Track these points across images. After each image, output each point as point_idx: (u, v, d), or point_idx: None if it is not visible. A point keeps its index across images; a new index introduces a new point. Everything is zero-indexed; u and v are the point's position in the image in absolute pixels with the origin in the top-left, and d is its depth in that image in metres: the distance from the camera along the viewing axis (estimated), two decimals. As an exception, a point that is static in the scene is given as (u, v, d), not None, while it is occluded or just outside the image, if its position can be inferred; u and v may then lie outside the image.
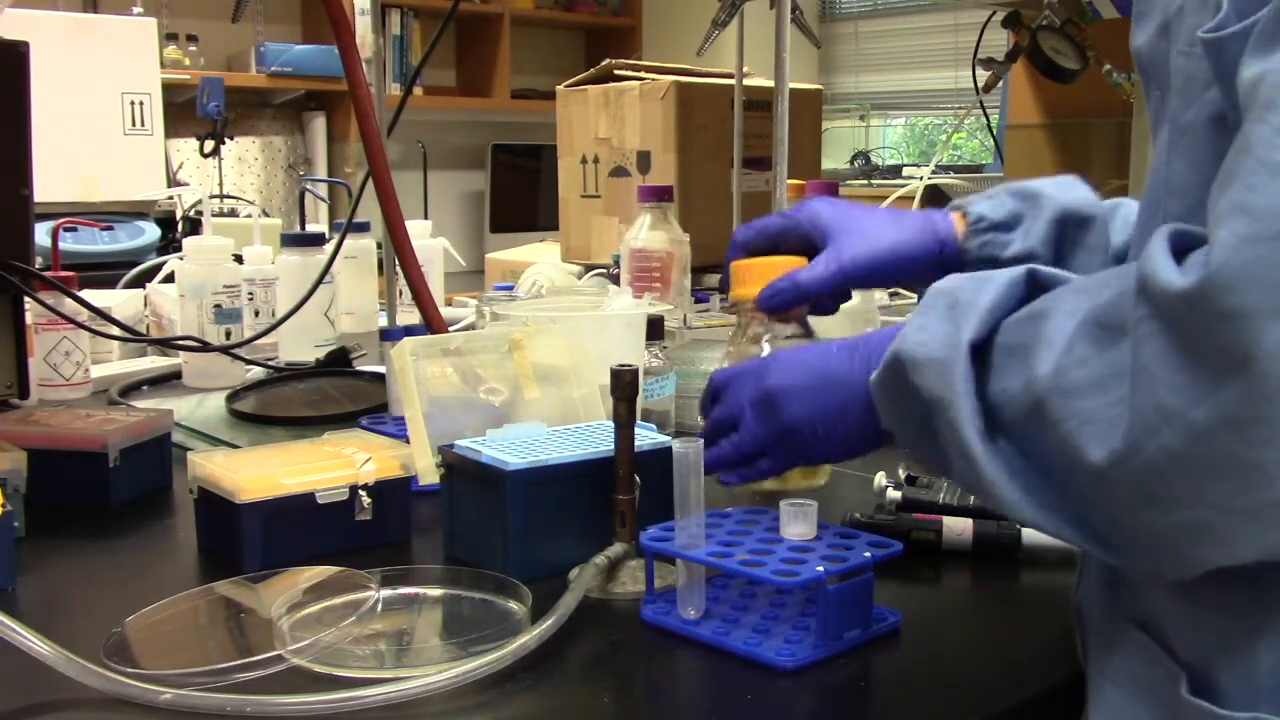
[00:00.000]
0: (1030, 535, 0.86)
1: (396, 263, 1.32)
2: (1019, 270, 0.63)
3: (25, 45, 1.22)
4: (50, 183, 1.95)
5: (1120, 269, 0.57)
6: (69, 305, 1.33)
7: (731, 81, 1.86)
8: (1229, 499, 0.48)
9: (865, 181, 4.16)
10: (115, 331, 1.45)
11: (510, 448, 0.82)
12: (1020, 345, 0.58)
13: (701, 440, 0.73)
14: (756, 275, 0.87)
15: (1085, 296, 0.56)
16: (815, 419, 0.73)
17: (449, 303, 2.07)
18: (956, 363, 0.60)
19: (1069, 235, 0.86)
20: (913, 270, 0.86)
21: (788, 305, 0.86)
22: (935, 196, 2.55)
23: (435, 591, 0.78)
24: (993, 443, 0.58)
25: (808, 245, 0.87)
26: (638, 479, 0.78)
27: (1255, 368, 0.46)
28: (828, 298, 0.88)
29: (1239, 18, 0.52)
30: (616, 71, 2.07)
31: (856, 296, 1.73)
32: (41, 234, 1.42)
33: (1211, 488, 0.49)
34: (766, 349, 0.88)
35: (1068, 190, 0.88)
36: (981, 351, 0.60)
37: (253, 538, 0.82)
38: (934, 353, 0.61)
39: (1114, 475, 0.51)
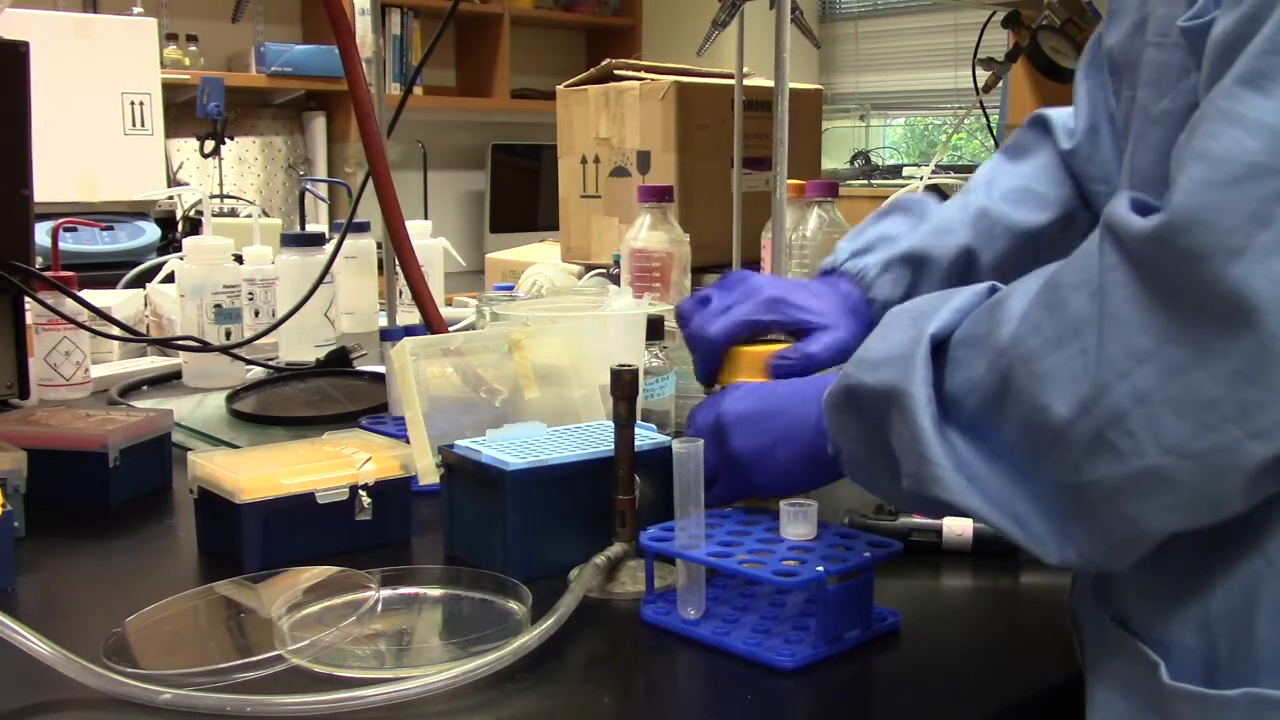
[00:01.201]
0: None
1: (396, 263, 1.32)
2: (983, 285, 0.64)
3: (25, 45, 1.22)
4: (50, 183, 1.95)
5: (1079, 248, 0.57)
6: (69, 305, 1.33)
7: (731, 81, 1.86)
8: (1186, 441, 0.49)
9: (865, 181, 4.16)
10: (115, 331, 1.45)
11: (510, 448, 0.82)
12: (981, 334, 0.59)
13: (702, 441, 0.73)
14: (748, 362, 0.88)
15: (1040, 275, 0.57)
16: (759, 448, 0.75)
17: (449, 303, 2.07)
18: (915, 354, 0.60)
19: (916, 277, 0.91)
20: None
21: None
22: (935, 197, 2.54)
23: (435, 591, 0.78)
24: (944, 433, 0.59)
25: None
26: (638, 479, 0.78)
27: (1214, 307, 0.47)
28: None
29: (1217, 4, 0.52)
30: (616, 71, 2.07)
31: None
32: (41, 234, 1.42)
33: (1169, 429, 0.49)
34: None
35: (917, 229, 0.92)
36: (942, 349, 0.61)
37: (253, 538, 0.82)
38: (893, 349, 0.62)
39: (1075, 429, 0.52)
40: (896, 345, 0.62)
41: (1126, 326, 0.50)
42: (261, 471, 0.84)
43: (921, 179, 2.25)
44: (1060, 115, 0.91)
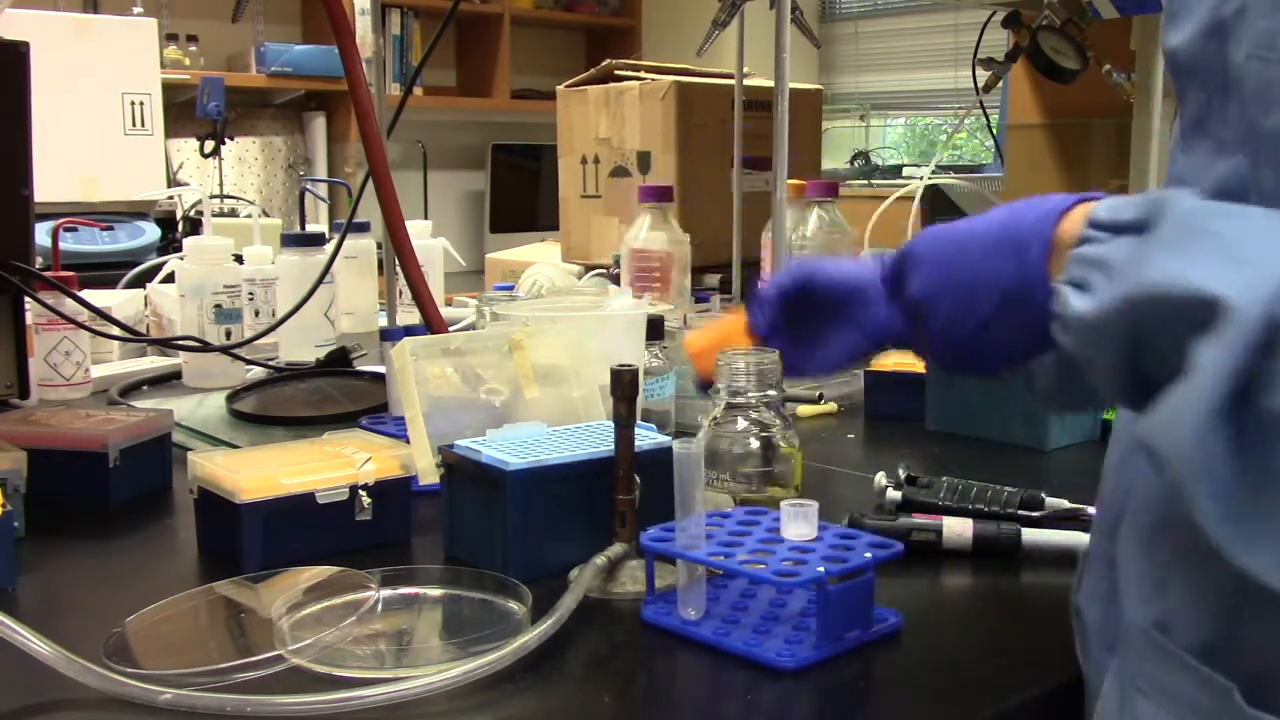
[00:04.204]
0: (1030, 535, 0.86)
1: (396, 263, 1.32)
2: None
3: (25, 45, 1.22)
4: (50, 183, 1.95)
5: None
6: (69, 305, 1.33)
7: (731, 81, 1.86)
8: None
9: (865, 181, 4.16)
10: (115, 331, 1.45)
11: (510, 448, 0.82)
12: None
13: (702, 441, 0.73)
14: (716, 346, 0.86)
15: None
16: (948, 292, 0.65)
17: (449, 303, 2.07)
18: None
19: None
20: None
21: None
22: (936, 197, 2.55)
23: (435, 591, 0.78)
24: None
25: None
26: (638, 479, 0.78)
27: None
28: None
29: None
30: (616, 71, 2.07)
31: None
32: (41, 234, 1.42)
33: None
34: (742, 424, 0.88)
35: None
36: None
37: (253, 538, 0.82)
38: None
39: None
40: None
41: None
42: (261, 471, 0.84)
43: (921, 179, 2.25)
44: None
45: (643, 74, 2.01)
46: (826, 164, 3.54)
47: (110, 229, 2.58)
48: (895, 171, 4.30)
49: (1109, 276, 0.54)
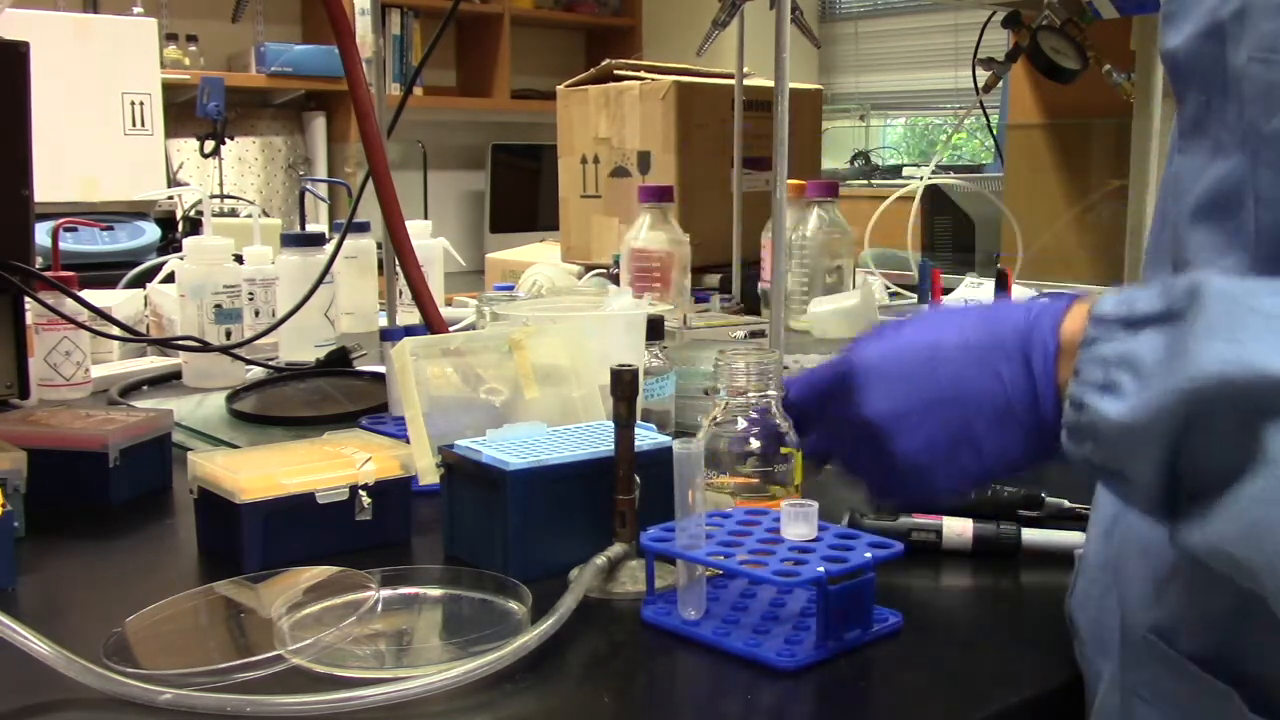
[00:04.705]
0: (1030, 535, 0.86)
1: (396, 263, 1.32)
2: None
3: (25, 45, 1.22)
4: (50, 183, 1.95)
5: None
6: (69, 305, 1.33)
7: (731, 81, 1.86)
8: None
9: (865, 181, 4.16)
10: (115, 331, 1.45)
11: (510, 448, 0.82)
12: None
13: (702, 441, 0.73)
14: None
15: None
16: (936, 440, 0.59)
17: (449, 303, 2.07)
18: None
19: None
20: None
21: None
22: (936, 197, 2.55)
23: (435, 591, 0.78)
24: None
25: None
26: (638, 479, 0.78)
27: None
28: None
29: None
30: (616, 71, 2.07)
31: (856, 295, 1.73)
32: (41, 234, 1.42)
33: None
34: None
35: None
36: None
37: (253, 538, 0.82)
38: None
39: None
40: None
41: None
42: (261, 471, 0.84)
43: (921, 179, 2.25)
44: None
45: (643, 74, 2.01)
46: (826, 164, 3.54)
47: (110, 229, 2.58)
48: (895, 171, 4.30)
49: (1141, 374, 0.49)
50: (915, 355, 0.60)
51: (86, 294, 1.38)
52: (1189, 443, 0.47)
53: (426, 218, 3.31)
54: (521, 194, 4.69)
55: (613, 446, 0.78)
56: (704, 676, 0.69)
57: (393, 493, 0.88)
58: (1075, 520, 0.90)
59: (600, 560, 0.76)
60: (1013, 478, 0.58)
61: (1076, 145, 2.25)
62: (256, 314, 1.58)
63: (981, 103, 2.20)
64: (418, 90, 4.19)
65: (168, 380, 1.50)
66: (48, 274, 1.32)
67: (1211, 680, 0.54)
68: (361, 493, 0.86)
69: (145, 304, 1.71)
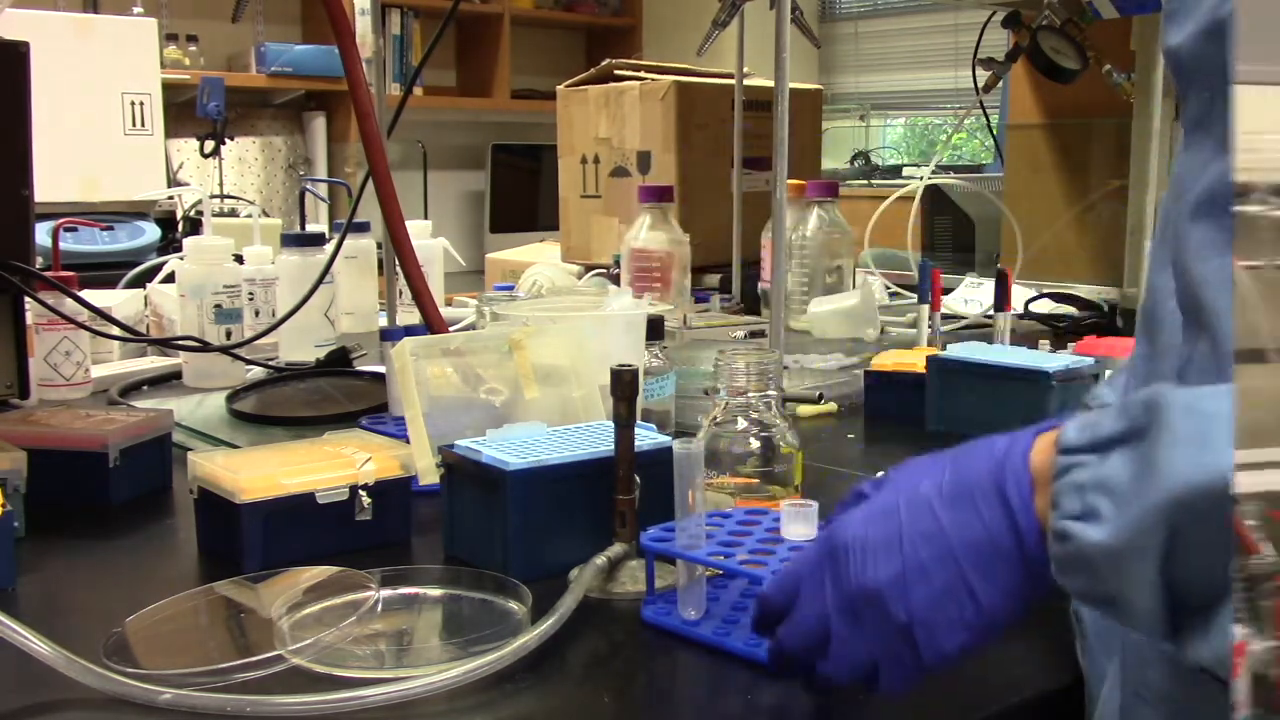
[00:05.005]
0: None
1: (396, 263, 1.32)
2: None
3: (25, 45, 1.22)
4: (50, 183, 1.94)
5: None
6: (69, 305, 1.33)
7: (731, 81, 1.86)
8: None
9: (865, 181, 4.16)
10: (115, 331, 1.45)
11: (510, 448, 0.82)
12: None
13: (702, 441, 0.73)
14: None
15: None
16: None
17: (449, 303, 2.07)
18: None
19: None
20: None
21: None
22: (936, 197, 2.54)
23: (435, 591, 0.78)
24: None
25: None
26: (638, 479, 0.78)
27: None
28: None
29: None
30: (616, 71, 2.07)
31: (856, 295, 1.73)
32: (42, 234, 1.42)
33: None
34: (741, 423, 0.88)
35: None
36: None
37: (253, 538, 0.82)
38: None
39: None
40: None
41: None
42: (261, 471, 0.84)
43: (921, 179, 2.25)
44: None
45: (643, 74, 2.01)
46: (826, 164, 3.54)
47: (110, 229, 2.58)
48: (895, 171, 4.30)
49: (1117, 496, 0.48)
50: (896, 516, 0.59)
51: (86, 294, 1.38)
52: (1177, 556, 0.46)
53: (426, 218, 3.31)
54: (521, 194, 4.69)
55: (613, 446, 0.78)
56: (704, 676, 0.69)
57: (393, 493, 0.88)
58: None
59: (600, 560, 0.76)
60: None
61: (1076, 145, 2.25)
62: (256, 314, 1.58)
63: (981, 103, 2.20)
64: (418, 90, 4.19)
65: (168, 380, 1.50)
66: (48, 274, 1.32)
67: (1213, 682, 0.54)
68: (361, 493, 0.86)
69: (145, 304, 1.71)
